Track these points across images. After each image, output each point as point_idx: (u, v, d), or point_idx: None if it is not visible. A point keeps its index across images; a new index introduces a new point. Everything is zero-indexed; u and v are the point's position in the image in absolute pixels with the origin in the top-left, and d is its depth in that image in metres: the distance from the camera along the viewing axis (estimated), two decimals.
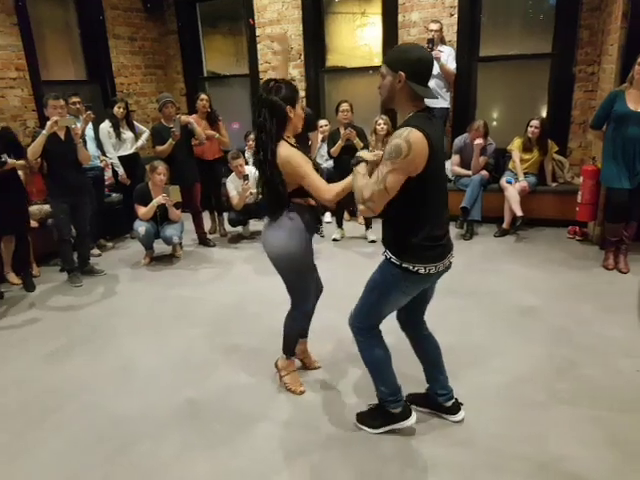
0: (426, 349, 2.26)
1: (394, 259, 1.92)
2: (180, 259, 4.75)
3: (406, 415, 2.19)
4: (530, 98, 5.46)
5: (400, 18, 5.49)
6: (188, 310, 3.63)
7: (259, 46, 6.11)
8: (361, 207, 1.81)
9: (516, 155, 4.95)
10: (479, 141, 4.85)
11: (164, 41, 6.60)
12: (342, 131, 4.69)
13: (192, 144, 4.92)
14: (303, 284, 2.38)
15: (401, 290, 1.97)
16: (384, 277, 1.98)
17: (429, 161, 1.74)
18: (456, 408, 2.29)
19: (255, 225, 5.36)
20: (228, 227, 5.39)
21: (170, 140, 4.62)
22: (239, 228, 5.32)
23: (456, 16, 5.31)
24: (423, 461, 2.07)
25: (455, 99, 5.43)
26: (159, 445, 2.25)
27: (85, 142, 4.33)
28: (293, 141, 2.24)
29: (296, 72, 6.03)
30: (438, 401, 2.28)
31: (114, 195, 5.56)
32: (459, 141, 5.14)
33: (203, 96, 5.07)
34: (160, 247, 4.79)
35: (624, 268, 3.93)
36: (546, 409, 2.37)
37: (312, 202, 2.27)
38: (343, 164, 4.77)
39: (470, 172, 5.06)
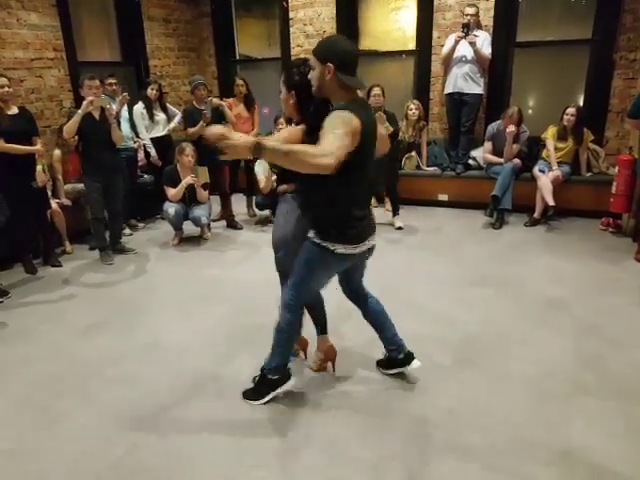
0: (371, 313, 2.41)
1: (315, 239, 2.01)
2: (208, 241, 4.83)
3: (285, 379, 2.33)
4: (567, 85, 5.30)
5: (436, 1, 5.38)
6: (215, 290, 3.70)
7: (292, 29, 6.08)
8: (325, 160, 1.64)
9: (550, 144, 4.83)
10: (512, 128, 4.74)
11: (197, 23, 6.63)
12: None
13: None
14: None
15: (324, 268, 2.11)
16: (308, 255, 2.08)
17: (360, 142, 1.80)
18: (409, 358, 2.42)
19: None
20: (257, 210, 5.45)
21: (201, 122, 4.67)
22: (266, 211, 5.36)
23: (493, 0, 5.16)
24: (443, 446, 2.08)
25: (490, 85, 5.30)
26: (185, 419, 2.31)
27: (119, 123, 4.42)
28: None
29: None
30: (393, 357, 2.44)
31: (146, 176, 5.66)
32: (492, 128, 5.04)
33: (239, 81, 5.13)
34: (189, 228, 4.87)
35: None
36: (570, 400, 2.34)
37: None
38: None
39: (502, 160, 4.96)
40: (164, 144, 5.33)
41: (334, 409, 2.32)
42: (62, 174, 4.72)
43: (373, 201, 5.40)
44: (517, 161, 4.92)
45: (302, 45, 6.09)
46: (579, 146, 4.82)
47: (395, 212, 4.91)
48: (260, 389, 2.35)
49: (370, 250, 2.12)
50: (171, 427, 2.26)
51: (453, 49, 5.09)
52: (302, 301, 2.23)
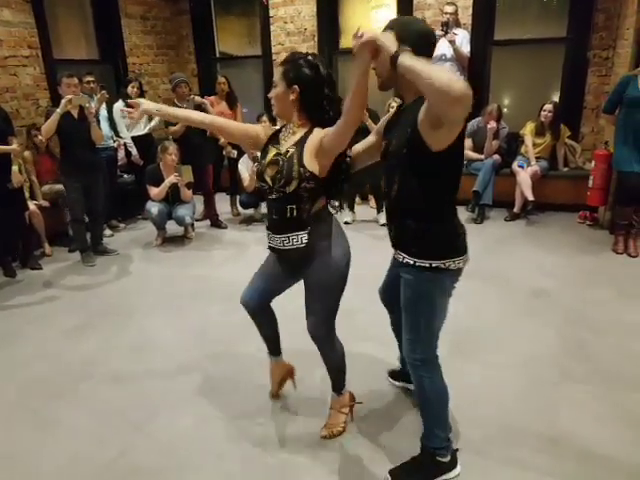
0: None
1: (422, 262, 1.67)
2: (192, 240, 4.78)
3: (454, 463, 1.89)
4: (543, 82, 5.41)
5: (415, 0, 5.43)
6: (203, 290, 3.66)
7: (272, 27, 6.07)
8: (459, 84, 1.31)
9: (528, 139, 4.93)
10: (492, 125, 4.83)
11: (176, 21, 6.56)
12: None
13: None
14: (337, 301, 2.01)
15: (442, 295, 1.73)
16: (418, 290, 1.72)
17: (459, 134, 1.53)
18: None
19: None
20: (241, 209, 5.43)
21: None
22: (250, 210, 5.34)
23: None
24: None
25: (468, 83, 5.33)
26: (177, 418, 2.29)
27: (99, 121, 4.34)
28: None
29: None
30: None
31: (126, 176, 5.59)
32: (472, 125, 5.11)
33: (221, 79, 5.10)
34: (172, 228, 4.82)
35: (634, 252, 3.94)
36: (559, 387, 2.40)
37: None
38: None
39: (482, 156, 5.05)
40: (145, 143, 5.25)
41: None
42: (35, 175, 4.61)
43: (357, 199, 5.45)
44: (497, 157, 5.01)
45: (283, 43, 6.08)
46: (556, 142, 4.94)
47: (380, 209, 4.94)
48: (424, 472, 1.88)
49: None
50: (164, 427, 2.24)
51: None
52: (434, 350, 1.81)
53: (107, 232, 4.94)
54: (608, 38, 4.91)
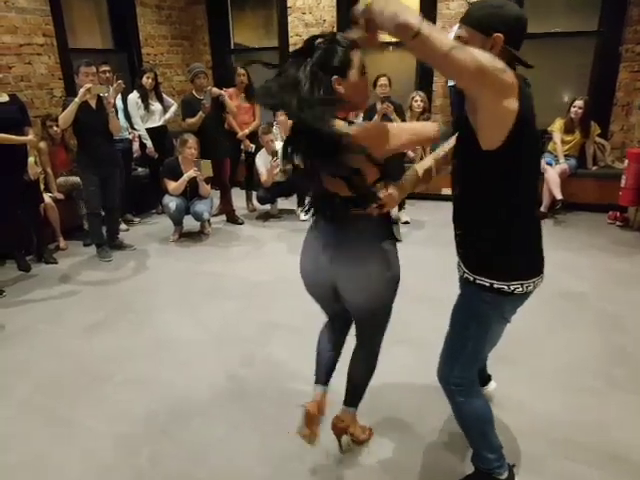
0: None
1: (485, 282, 1.48)
2: (209, 236, 4.66)
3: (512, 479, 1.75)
4: (572, 78, 5.27)
5: None
6: (222, 286, 3.55)
7: (290, 18, 5.92)
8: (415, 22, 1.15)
9: (557, 136, 4.78)
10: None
11: (191, 11, 6.41)
12: (379, 106, 4.54)
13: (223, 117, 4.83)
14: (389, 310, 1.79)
15: (498, 322, 1.56)
16: (472, 310, 1.56)
17: (522, 116, 1.30)
18: (487, 380, 2.16)
19: (283, 204, 5.26)
20: (257, 204, 5.31)
21: (200, 112, 4.50)
22: (267, 206, 5.22)
23: None
24: None
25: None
26: (207, 423, 2.18)
27: (117, 112, 4.21)
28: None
29: None
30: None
31: (140, 169, 5.46)
32: None
33: (241, 71, 4.97)
34: (188, 223, 4.69)
35: None
36: (604, 396, 2.28)
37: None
38: None
39: None
40: (160, 135, 5.13)
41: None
42: (50, 167, 4.49)
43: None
44: None
45: (301, 34, 5.93)
46: (586, 139, 4.79)
47: (401, 206, 4.81)
48: None
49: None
50: (195, 434, 2.13)
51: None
52: (474, 374, 1.66)
53: (122, 227, 4.82)
54: None
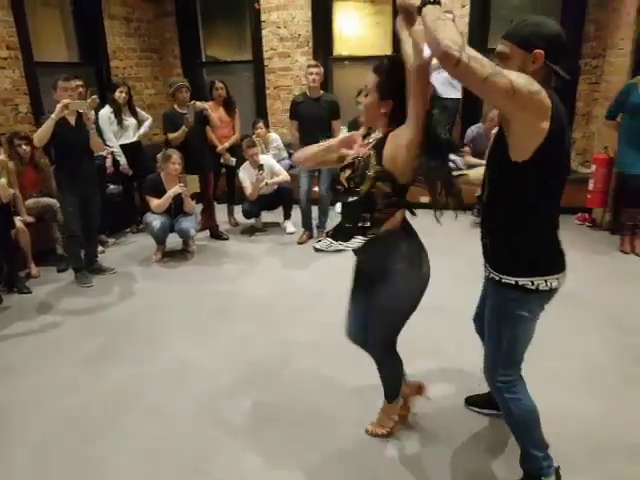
0: None
1: (511, 280, 1.57)
2: (194, 254, 4.48)
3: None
4: None
5: None
6: (226, 306, 3.42)
7: (264, 32, 5.87)
8: (452, 50, 1.27)
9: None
10: (496, 131, 4.83)
11: (160, 23, 6.23)
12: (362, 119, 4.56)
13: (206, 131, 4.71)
14: (397, 323, 1.92)
15: (529, 317, 1.62)
16: (501, 309, 1.65)
17: (552, 134, 1.39)
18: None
19: (267, 217, 5.16)
20: (239, 218, 5.19)
21: (183, 127, 4.35)
22: (251, 220, 5.10)
23: (468, 7, 5.28)
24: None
25: (465, 90, 5.39)
26: (241, 456, 2.06)
27: (98, 128, 4.01)
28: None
29: (304, 59, 5.83)
30: None
31: (112, 186, 5.20)
32: (471, 131, 5.12)
33: (219, 84, 4.88)
34: (170, 242, 4.50)
35: None
36: (631, 395, 2.34)
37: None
38: None
39: (484, 161, 5.03)
40: (134, 151, 4.92)
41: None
42: (19, 188, 4.19)
43: None
44: None
45: (276, 48, 5.90)
46: None
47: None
48: None
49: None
50: (227, 468, 2.01)
51: (432, 56, 5.12)
52: (518, 370, 1.73)
53: (98, 248, 4.56)
54: (598, 47, 5.06)
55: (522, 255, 1.55)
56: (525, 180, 1.47)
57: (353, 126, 4.64)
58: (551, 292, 1.59)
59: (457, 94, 5.25)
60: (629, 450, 2.01)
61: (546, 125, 1.38)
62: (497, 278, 1.60)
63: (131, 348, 2.93)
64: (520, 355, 1.70)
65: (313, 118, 4.26)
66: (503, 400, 1.72)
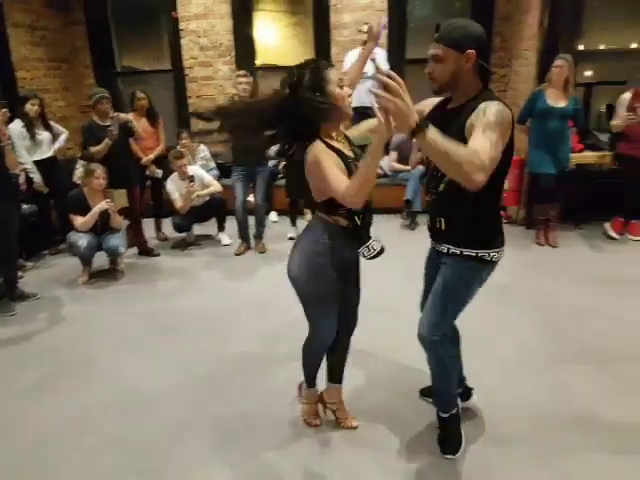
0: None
1: (468, 251, 1.77)
2: (124, 273, 4.28)
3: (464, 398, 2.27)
4: None
5: (332, 19, 5.59)
6: (169, 325, 3.30)
7: (183, 41, 5.77)
8: (480, 176, 1.41)
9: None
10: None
11: (69, 32, 5.87)
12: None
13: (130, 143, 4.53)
14: (316, 315, 1.98)
15: (477, 284, 1.85)
16: (459, 276, 1.82)
17: (510, 137, 1.62)
18: (468, 394, 2.30)
19: (198, 230, 5.05)
20: (168, 232, 5.03)
21: (106, 140, 4.15)
22: (182, 234, 4.96)
23: (386, 20, 5.54)
24: (478, 434, 2.16)
25: None
26: (214, 470, 2.03)
27: (13, 144, 3.71)
28: (340, 138, 1.82)
29: (226, 69, 5.80)
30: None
31: (25, 206, 4.81)
32: (396, 138, 5.38)
33: (141, 94, 4.73)
34: (94, 261, 4.22)
35: (553, 243, 4.47)
36: (558, 370, 2.59)
37: (342, 222, 1.81)
38: (297, 161, 4.68)
39: (409, 167, 5.33)
40: (49, 167, 4.62)
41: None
42: None
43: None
44: (422, 167, 5.32)
45: (196, 57, 5.82)
46: None
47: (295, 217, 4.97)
48: (451, 435, 2.09)
49: None
50: None
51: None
52: (451, 327, 1.99)
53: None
54: (505, 58, 5.55)
55: (482, 231, 1.78)
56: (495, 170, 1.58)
57: None
58: (496, 263, 1.83)
59: None
60: (569, 419, 2.23)
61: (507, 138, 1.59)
62: (458, 252, 1.79)
63: (72, 377, 2.75)
64: (456, 316, 1.93)
65: None
66: (437, 353, 1.93)
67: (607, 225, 4.56)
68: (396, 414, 2.30)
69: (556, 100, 4.15)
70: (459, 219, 1.77)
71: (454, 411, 2.07)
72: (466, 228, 1.76)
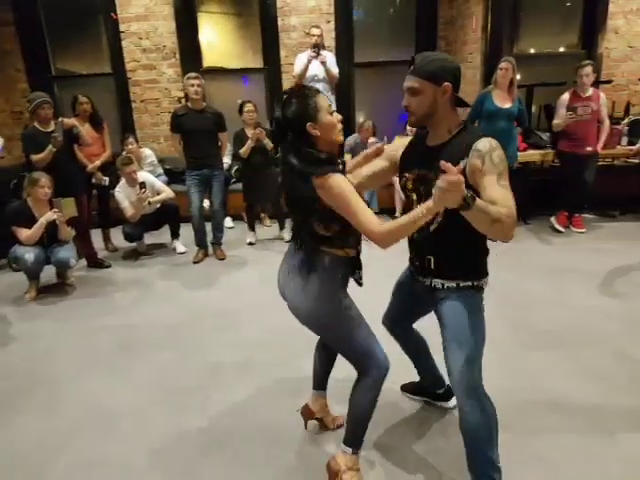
0: (416, 343, 2.19)
1: (469, 283, 1.72)
2: (75, 287, 4.02)
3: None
4: (401, 99, 6.04)
5: (280, 22, 5.56)
6: (131, 339, 3.11)
7: (124, 43, 5.53)
8: (513, 231, 1.50)
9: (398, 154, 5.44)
10: (372, 140, 5.21)
11: None
12: (248, 132, 4.57)
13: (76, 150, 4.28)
14: (357, 342, 1.76)
15: (483, 311, 1.77)
16: (473, 311, 1.73)
17: None
18: (448, 394, 2.27)
19: (149, 238, 4.85)
20: (117, 242, 4.80)
21: (50, 147, 3.89)
22: (133, 243, 4.74)
23: (333, 23, 5.60)
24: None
25: (338, 101, 5.71)
26: None
27: None
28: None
29: (171, 71, 5.63)
30: (430, 389, 2.29)
31: None
32: (350, 140, 5.43)
33: (83, 99, 4.48)
34: (41, 275, 3.94)
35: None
36: (528, 358, 2.69)
37: (352, 253, 1.75)
38: (254, 165, 4.64)
39: None
40: None
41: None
42: None
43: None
44: None
45: (139, 60, 5.60)
46: None
47: (283, 226, 4.90)
48: None
49: None
50: None
51: (306, 68, 5.34)
52: (481, 375, 1.73)
53: None
54: None
55: (475, 264, 1.75)
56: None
57: (238, 139, 4.61)
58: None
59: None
60: (539, 404, 2.31)
61: None
62: (454, 285, 1.71)
63: (36, 398, 2.53)
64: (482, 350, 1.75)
65: (199, 131, 4.14)
66: (480, 403, 1.67)
67: (553, 219, 4.81)
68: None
69: (502, 101, 4.35)
70: (453, 256, 1.73)
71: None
72: (460, 263, 1.73)
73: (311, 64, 5.31)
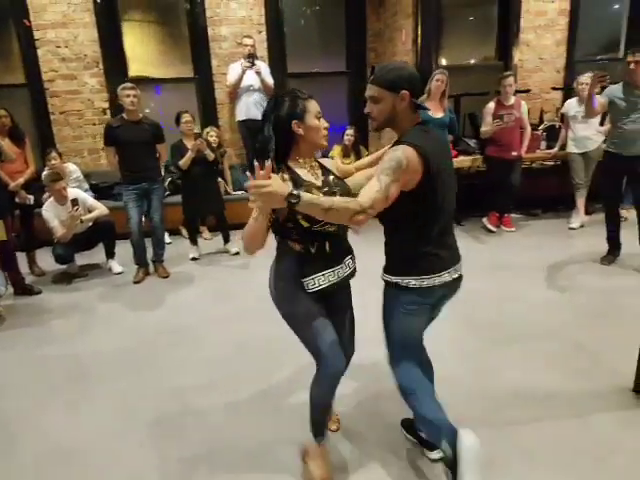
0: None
1: (386, 277, 1.82)
2: (4, 317, 3.62)
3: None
4: (336, 110, 6.15)
5: (210, 32, 5.45)
6: (82, 368, 2.87)
7: (40, 52, 5.13)
8: (360, 217, 1.52)
9: (338, 160, 5.51)
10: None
11: None
12: (187, 143, 4.42)
13: None
14: (304, 339, 1.83)
15: (405, 311, 1.81)
16: (385, 305, 1.89)
17: (425, 173, 1.63)
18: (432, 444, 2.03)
19: (80, 259, 4.49)
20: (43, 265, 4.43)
21: None
22: (63, 265, 4.38)
23: (264, 33, 5.59)
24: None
25: None
26: None
27: None
28: (307, 164, 1.79)
29: (94, 81, 5.30)
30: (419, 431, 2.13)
31: None
32: None
33: (2, 112, 4.12)
34: None
35: None
36: (490, 354, 2.82)
37: (296, 247, 1.78)
38: (194, 177, 4.46)
39: None
40: None
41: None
42: None
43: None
44: None
45: (57, 70, 5.23)
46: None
47: (227, 238, 4.76)
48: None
49: (449, 285, 1.89)
50: None
51: (241, 78, 5.28)
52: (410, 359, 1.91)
53: None
54: None
55: (397, 257, 1.81)
56: (410, 205, 1.67)
57: (176, 150, 4.44)
58: (423, 291, 1.80)
59: None
60: (513, 396, 2.42)
61: (419, 173, 1.62)
62: (385, 279, 1.84)
63: None
64: (411, 351, 1.94)
65: (137, 142, 3.92)
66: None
67: (485, 220, 5.11)
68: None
69: (435, 111, 4.56)
70: (387, 250, 1.84)
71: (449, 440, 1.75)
72: (386, 253, 1.84)
73: (246, 74, 5.28)
